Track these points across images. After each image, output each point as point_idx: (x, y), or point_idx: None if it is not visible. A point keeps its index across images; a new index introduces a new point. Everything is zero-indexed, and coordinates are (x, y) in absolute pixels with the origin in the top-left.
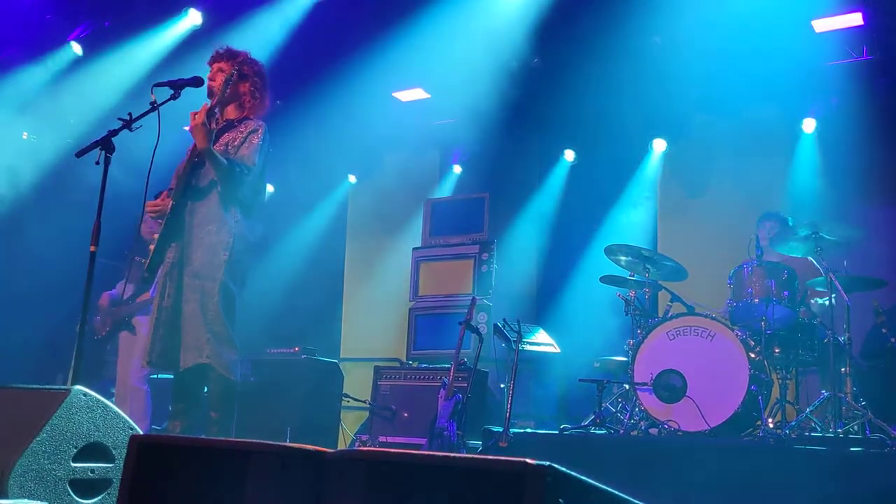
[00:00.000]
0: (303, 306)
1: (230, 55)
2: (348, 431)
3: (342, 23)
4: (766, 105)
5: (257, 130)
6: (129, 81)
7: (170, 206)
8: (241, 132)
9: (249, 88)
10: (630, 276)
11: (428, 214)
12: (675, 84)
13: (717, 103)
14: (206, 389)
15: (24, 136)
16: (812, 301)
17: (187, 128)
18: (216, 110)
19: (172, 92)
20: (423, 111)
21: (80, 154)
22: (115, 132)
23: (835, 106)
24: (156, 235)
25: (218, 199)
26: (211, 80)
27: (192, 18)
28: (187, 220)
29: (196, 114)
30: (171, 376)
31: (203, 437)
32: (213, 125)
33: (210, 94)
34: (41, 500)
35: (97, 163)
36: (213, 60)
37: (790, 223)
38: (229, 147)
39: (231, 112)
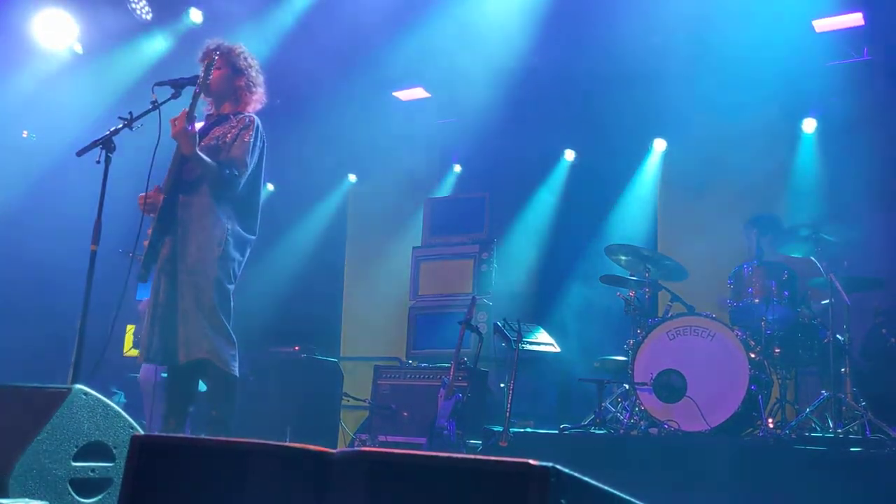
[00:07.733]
0: (303, 305)
1: (221, 49)
2: (348, 431)
3: (342, 22)
4: (766, 105)
5: (249, 126)
6: (129, 80)
7: (161, 201)
8: (233, 127)
9: (245, 83)
10: (630, 275)
11: (428, 214)
12: (675, 84)
13: (718, 103)
14: (204, 387)
15: (24, 135)
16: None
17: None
18: (195, 115)
19: (173, 91)
20: (423, 111)
21: (81, 153)
22: (115, 131)
23: (835, 106)
24: (149, 231)
25: (210, 194)
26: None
27: (193, 17)
28: (180, 216)
29: (175, 120)
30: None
31: (204, 436)
32: (193, 128)
33: (207, 91)
34: (42, 500)
35: (98, 162)
36: (206, 56)
37: (781, 223)
38: (220, 142)
39: (227, 107)
